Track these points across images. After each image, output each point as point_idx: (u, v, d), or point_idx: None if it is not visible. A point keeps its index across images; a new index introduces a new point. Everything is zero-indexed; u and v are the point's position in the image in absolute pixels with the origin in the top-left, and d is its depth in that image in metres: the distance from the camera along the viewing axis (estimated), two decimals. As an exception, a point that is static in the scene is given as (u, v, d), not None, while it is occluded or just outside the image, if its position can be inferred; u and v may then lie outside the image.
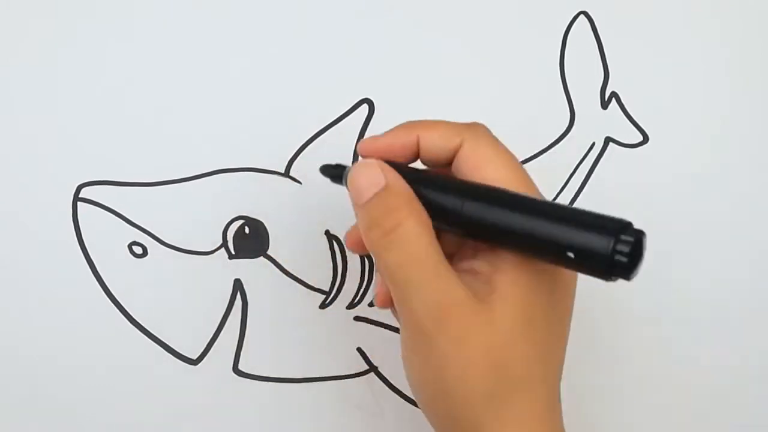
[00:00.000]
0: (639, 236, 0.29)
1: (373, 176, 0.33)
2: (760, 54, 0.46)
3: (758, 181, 0.46)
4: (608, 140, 0.45)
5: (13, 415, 0.41)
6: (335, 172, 0.36)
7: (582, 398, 0.44)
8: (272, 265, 0.43)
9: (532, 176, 0.44)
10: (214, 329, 0.42)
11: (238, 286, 0.42)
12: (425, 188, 0.33)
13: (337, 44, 0.44)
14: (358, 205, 0.33)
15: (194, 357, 0.42)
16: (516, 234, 0.30)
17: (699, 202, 0.46)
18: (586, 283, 0.32)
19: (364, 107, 0.44)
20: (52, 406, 0.41)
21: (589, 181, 0.45)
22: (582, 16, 0.45)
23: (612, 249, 0.28)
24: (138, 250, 0.42)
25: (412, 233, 0.31)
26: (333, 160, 0.43)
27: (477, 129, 0.34)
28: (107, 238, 0.42)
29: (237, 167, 0.43)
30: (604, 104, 0.46)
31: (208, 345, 0.42)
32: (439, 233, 0.32)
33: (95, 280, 0.42)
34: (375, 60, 0.44)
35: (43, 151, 0.42)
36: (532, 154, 0.45)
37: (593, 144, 0.45)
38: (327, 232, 0.43)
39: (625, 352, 0.45)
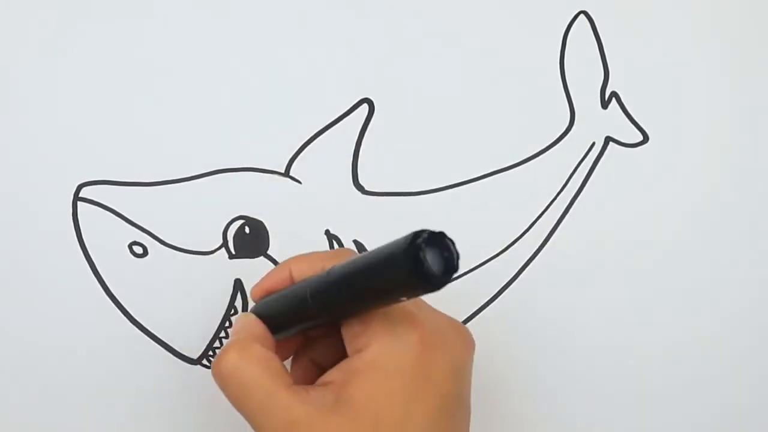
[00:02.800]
0: (431, 234, 0.29)
1: (235, 325, 0.37)
2: (760, 54, 0.46)
3: (759, 181, 0.46)
4: (608, 140, 0.45)
5: (12, 415, 0.41)
6: None
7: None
8: (272, 265, 0.43)
9: (532, 176, 0.44)
10: (214, 329, 0.42)
11: (238, 286, 0.42)
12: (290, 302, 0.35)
13: (337, 44, 0.44)
14: None
15: (194, 357, 0.42)
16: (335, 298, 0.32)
17: (699, 202, 0.46)
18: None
19: (364, 107, 0.44)
20: (52, 405, 0.41)
21: (589, 181, 0.45)
22: (582, 16, 0.45)
23: (408, 245, 0.28)
24: (138, 250, 0.42)
25: (235, 369, 0.33)
26: (333, 160, 0.43)
27: (341, 255, 0.36)
28: (107, 238, 0.42)
29: (237, 167, 0.43)
30: (604, 104, 0.46)
31: (208, 345, 0.42)
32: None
33: (95, 280, 0.42)
34: (375, 60, 0.44)
35: (43, 151, 0.42)
36: (532, 154, 0.45)
37: (593, 144, 0.45)
38: (327, 232, 0.43)
39: (616, 347, 0.45)
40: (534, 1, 0.45)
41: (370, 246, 0.43)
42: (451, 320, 0.36)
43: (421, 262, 0.28)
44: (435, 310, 0.35)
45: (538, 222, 0.45)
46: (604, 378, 0.45)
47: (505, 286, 0.44)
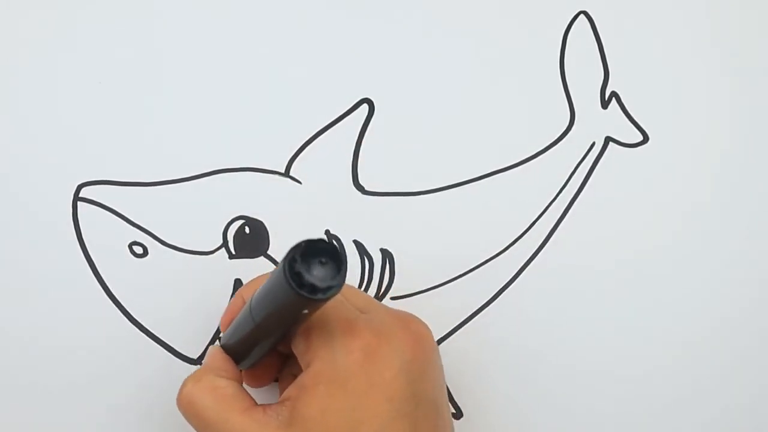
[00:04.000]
0: (307, 245, 0.30)
1: (205, 359, 0.39)
2: (760, 54, 0.46)
3: (759, 181, 0.46)
4: (608, 140, 0.45)
5: (12, 415, 0.41)
6: None
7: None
8: (272, 265, 0.43)
9: (532, 176, 0.44)
10: (214, 329, 0.42)
11: (238, 286, 0.42)
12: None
13: (337, 44, 0.44)
14: None
15: (194, 357, 0.42)
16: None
17: (699, 202, 0.46)
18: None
19: (364, 107, 0.44)
20: (51, 405, 0.41)
21: (589, 181, 0.45)
22: (582, 16, 0.45)
23: (284, 263, 0.29)
24: (138, 250, 0.42)
25: (191, 400, 0.35)
26: (333, 160, 0.43)
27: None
28: (107, 238, 0.42)
29: (237, 167, 0.43)
30: (604, 104, 0.46)
31: (208, 345, 0.42)
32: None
33: (95, 280, 0.42)
34: (375, 60, 0.44)
35: (44, 151, 0.42)
36: (532, 154, 0.45)
37: (593, 144, 0.45)
38: (327, 232, 0.43)
39: (611, 348, 0.45)
40: (534, 1, 0.45)
41: (371, 246, 0.43)
42: (401, 316, 0.35)
43: (298, 275, 0.29)
44: (384, 309, 0.36)
45: (538, 222, 0.45)
46: (603, 378, 0.45)
47: (505, 286, 0.44)
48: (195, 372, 0.37)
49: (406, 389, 0.33)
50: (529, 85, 0.45)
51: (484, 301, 0.44)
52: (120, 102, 0.42)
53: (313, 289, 0.29)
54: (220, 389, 0.35)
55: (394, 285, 0.44)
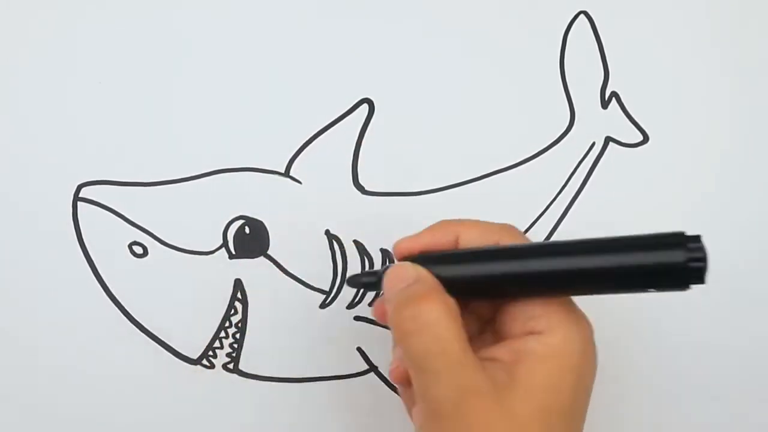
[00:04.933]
0: (700, 242, 0.31)
1: (405, 273, 0.34)
2: (760, 54, 0.46)
3: (758, 180, 0.46)
4: (608, 140, 0.45)
5: (12, 415, 0.41)
6: (368, 280, 0.37)
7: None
8: (272, 265, 0.43)
9: (533, 176, 0.44)
10: (214, 329, 0.42)
11: (238, 286, 0.42)
12: (480, 261, 0.34)
13: (337, 44, 0.44)
14: (389, 297, 0.34)
15: (194, 357, 0.42)
16: (589, 272, 0.33)
17: (699, 202, 0.46)
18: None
19: (364, 107, 0.44)
20: (52, 405, 0.41)
21: (589, 181, 0.45)
22: (582, 16, 0.45)
23: (687, 260, 0.31)
24: (138, 250, 0.42)
25: (438, 320, 0.32)
26: (333, 160, 0.43)
27: (512, 230, 0.36)
28: (107, 238, 0.42)
29: (237, 167, 0.43)
30: (604, 104, 0.46)
31: (208, 345, 0.42)
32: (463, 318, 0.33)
33: (95, 280, 0.42)
34: (375, 60, 0.44)
35: (44, 151, 0.42)
36: (532, 154, 0.45)
37: (593, 144, 0.45)
38: (327, 232, 0.43)
39: (626, 354, 0.45)
40: (534, 1, 0.45)
41: (371, 246, 0.43)
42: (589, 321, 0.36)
43: (703, 261, 0.31)
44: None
45: (538, 222, 0.45)
46: (602, 377, 0.45)
47: (505, 286, 0.44)
48: (432, 290, 0.32)
49: (593, 385, 0.35)
50: (529, 85, 0.45)
51: (484, 301, 0.44)
52: (120, 102, 0.42)
53: (700, 277, 0.31)
54: (458, 316, 0.32)
55: (394, 285, 0.44)
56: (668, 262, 0.31)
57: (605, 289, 0.33)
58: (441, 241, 0.35)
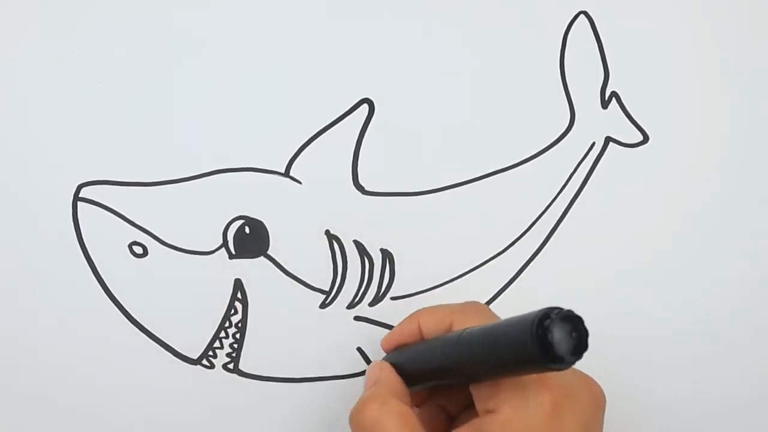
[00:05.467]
0: (559, 314, 0.29)
1: (370, 374, 0.38)
2: (760, 54, 0.46)
3: (758, 180, 0.46)
4: (608, 140, 0.45)
5: (12, 415, 0.41)
6: None
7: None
8: (272, 265, 0.43)
9: (532, 176, 0.45)
10: (214, 329, 0.42)
11: (238, 286, 0.42)
12: (422, 358, 0.37)
13: (337, 44, 0.44)
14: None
15: (194, 357, 0.42)
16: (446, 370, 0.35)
17: (699, 202, 0.46)
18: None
19: (364, 107, 0.44)
20: (52, 405, 0.42)
21: (589, 181, 0.45)
22: (582, 16, 0.45)
23: (536, 328, 0.29)
24: (138, 250, 0.42)
25: (382, 425, 0.34)
26: (333, 160, 0.43)
27: (469, 309, 0.38)
28: (107, 238, 0.42)
29: (237, 167, 0.43)
30: (604, 104, 0.46)
31: (208, 345, 0.42)
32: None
33: (95, 280, 0.42)
34: (375, 60, 0.44)
35: (44, 151, 0.42)
36: (532, 154, 0.45)
37: (593, 144, 0.45)
38: (327, 232, 0.43)
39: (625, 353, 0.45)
40: (534, 1, 0.45)
41: (371, 246, 0.43)
42: (583, 377, 0.36)
43: (550, 345, 0.29)
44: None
45: (538, 222, 0.45)
46: (603, 377, 0.45)
47: (505, 286, 0.44)
48: (377, 393, 0.36)
49: None
50: (529, 85, 0.45)
51: (484, 301, 0.44)
52: (120, 102, 0.42)
53: (557, 359, 0.29)
54: (408, 417, 0.34)
55: (394, 285, 0.44)
56: (526, 358, 0.30)
57: (500, 375, 0.33)
58: (407, 333, 0.39)
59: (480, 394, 0.35)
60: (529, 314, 0.30)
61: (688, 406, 0.45)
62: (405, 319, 0.40)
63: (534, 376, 0.33)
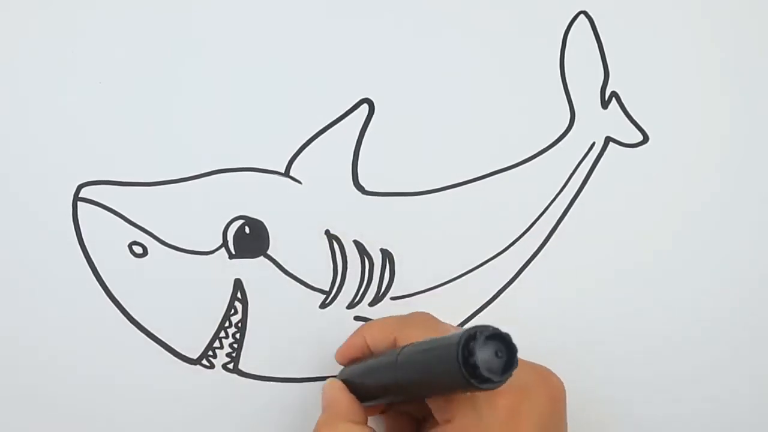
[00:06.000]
0: (483, 335, 0.29)
1: (323, 396, 0.39)
2: (760, 54, 0.46)
3: (758, 180, 0.46)
4: (608, 140, 0.45)
5: (12, 415, 0.41)
6: None
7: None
8: (272, 265, 0.43)
9: (532, 176, 0.44)
10: (214, 329, 0.42)
11: (238, 286, 0.42)
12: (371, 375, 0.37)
13: (337, 44, 0.44)
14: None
15: (194, 357, 0.42)
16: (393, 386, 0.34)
17: (699, 201, 0.46)
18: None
19: (364, 107, 0.44)
20: (52, 405, 0.41)
21: (589, 181, 0.45)
22: (582, 16, 0.45)
23: (461, 351, 0.29)
24: (138, 250, 0.42)
25: None
26: (333, 160, 0.43)
27: (412, 321, 0.38)
28: (107, 238, 0.42)
29: (237, 167, 0.43)
30: (604, 104, 0.46)
31: (208, 345, 0.42)
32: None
33: (95, 280, 0.42)
34: (375, 60, 0.44)
35: (44, 151, 0.42)
36: (532, 154, 0.45)
37: (593, 144, 0.45)
38: (327, 232, 0.43)
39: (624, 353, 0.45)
40: (534, 1, 0.45)
41: (371, 246, 0.43)
42: (537, 369, 0.36)
43: (475, 368, 0.28)
44: (521, 362, 0.35)
45: (538, 222, 0.45)
46: (603, 378, 0.45)
47: (505, 286, 0.44)
48: (325, 418, 0.36)
49: None
50: (529, 85, 0.45)
51: (484, 301, 0.44)
52: (120, 102, 0.42)
53: (485, 380, 0.29)
54: None
55: (394, 285, 0.44)
56: (454, 382, 0.30)
57: (438, 393, 0.34)
58: (355, 348, 0.39)
59: (435, 406, 0.35)
60: (454, 336, 0.30)
61: (688, 406, 0.45)
62: (353, 333, 0.40)
63: None
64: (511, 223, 0.45)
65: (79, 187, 0.42)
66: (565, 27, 0.45)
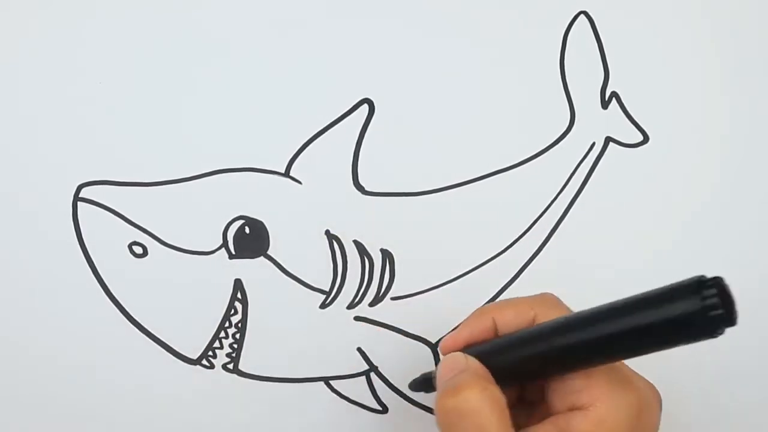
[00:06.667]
0: (719, 284, 0.30)
1: (455, 363, 0.34)
2: (760, 54, 0.46)
3: (758, 180, 0.46)
4: (608, 140, 0.45)
5: (13, 415, 0.41)
6: (424, 382, 0.38)
7: None
8: (272, 265, 0.43)
9: (532, 176, 0.44)
10: (214, 329, 0.42)
11: (238, 286, 0.42)
12: (516, 347, 0.34)
13: (337, 44, 0.44)
14: (438, 388, 0.34)
15: (194, 357, 0.42)
16: (610, 341, 0.31)
17: (699, 202, 0.46)
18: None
19: (364, 107, 0.44)
20: (51, 405, 0.41)
21: (589, 181, 0.45)
22: (582, 16, 0.45)
23: (703, 309, 0.29)
24: (138, 250, 0.42)
25: (479, 409, 0.32)
26: (333, 160, 0.43)
27: (546, 300, 0.36)
28: (107, 238, 0.42)
29: (237, 167, 0.43)
30: (604, 104, 0.46)
31: (208, 345, 0.42)
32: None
33: (95, 280, 0.42)
34: (375, 60, 0.44)
35: (44, 151, 0.42)
36: (532, 154, 0.45)
37: (593, 144, 0.45)
38: (327, 232, 0.43)
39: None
40: (534, 1, 0.45)
41: (371, 246, 0.43)
42: (648, 382, 0.35)
43: (719, 309, 0.29)
44: (633, 371, 0.35)
45: (538, 222, 0.45)
46: None
47: (505, 286, 0.44)
48: (474, 379, 0.33)
49: None
50: (529, 86, 0.45)
51: (484, 301, 0.44)
52: (120, 102, 0.42)
53: (726, 323, 0.29)
54: (501, 403, 0.32)
55: (394, 285, 0.44)
56: (685, 317, 0.30)
57: (631, 352, 0.32)
58: (479, 331, 0.36)
59: (566, 389, 0.33)
60: (681, 283, 0.30)
61: (688, 406, 0.45)
62: (471, 317, 0.37)
63: (621, 374, 0.33)
64: (512, 223, 0.45)
65: (79, 188, 0.42)
66: (565, 27, 0.45)
